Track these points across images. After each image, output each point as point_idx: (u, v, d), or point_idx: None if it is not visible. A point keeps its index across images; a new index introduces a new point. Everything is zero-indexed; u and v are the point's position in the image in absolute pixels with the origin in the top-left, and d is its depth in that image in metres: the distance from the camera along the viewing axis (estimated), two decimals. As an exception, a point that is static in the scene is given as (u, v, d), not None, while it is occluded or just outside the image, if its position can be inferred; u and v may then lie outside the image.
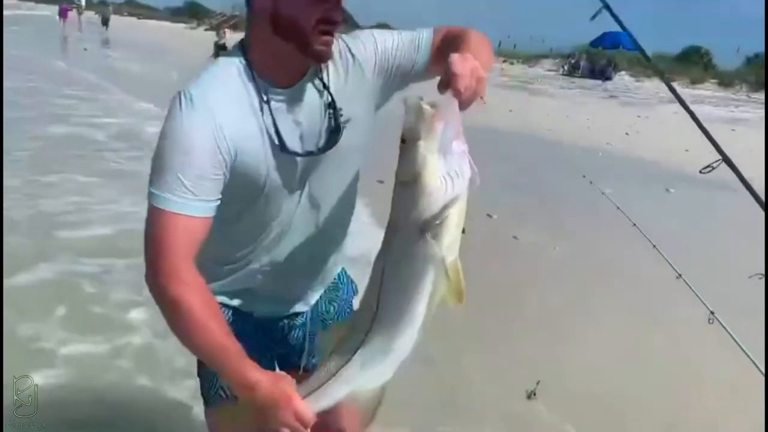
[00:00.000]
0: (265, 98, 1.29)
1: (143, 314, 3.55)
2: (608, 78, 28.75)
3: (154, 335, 3.35)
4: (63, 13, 34.52)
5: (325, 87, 1.36)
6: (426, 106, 1.10)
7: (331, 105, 1.36)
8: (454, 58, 1.13)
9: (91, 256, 4.42)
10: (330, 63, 1.36)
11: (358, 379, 1.24)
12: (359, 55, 1.39)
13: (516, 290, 4.50)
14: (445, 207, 1.11)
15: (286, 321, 1.66)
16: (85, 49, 23.51)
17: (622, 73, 30.17)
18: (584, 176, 3.71)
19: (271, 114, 1.29)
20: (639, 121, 14.50)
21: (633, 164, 9.60)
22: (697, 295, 2.40)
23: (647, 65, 29.92)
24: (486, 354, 3.59)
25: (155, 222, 1.23)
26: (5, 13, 53.53)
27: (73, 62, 18.55)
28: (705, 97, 21.63)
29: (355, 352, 1.22)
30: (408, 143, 1.12)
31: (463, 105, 1.12)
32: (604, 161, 9.73)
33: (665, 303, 3.90)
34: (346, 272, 1.78)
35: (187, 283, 1.22)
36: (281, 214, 1.43)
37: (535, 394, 3.12)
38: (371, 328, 1.21)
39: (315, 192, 1.44)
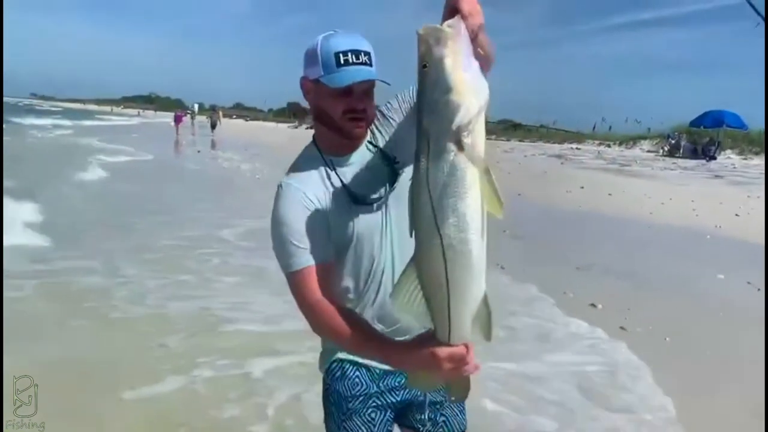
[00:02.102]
0: (331, 168, 1.66)
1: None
2: (712, 157, 27.60)
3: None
4: (178, 120, 37.95)
5: (377, 147, 1.70)
6: (446, 28, 1.22)
7: (385, 158, 1.68)
8: None
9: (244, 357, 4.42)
10: (379, 126, 1.72)
11: (467, 301, 1.34)
12: (392, 112, 1.73)
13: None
14: (479, 111, 1.23)
15: (403, 375, 1.78)
16: (199, 152, 25.58)
17: (728, 151, 28.93)
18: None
19: (339, 177, 1.65)
20: (749, 201, 13.74)
21: (745, 247, 9.04)
22: None
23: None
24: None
25: (292, 284, 1.62)
26: (132, 122, 59.49)
27: (190, 163, 20.17)
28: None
29: (447, 284, 1.31)
30: (433, 65, 1.23)
31: (469, 26, 1.26)
32: (713, 245, 9.28)
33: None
34: None
35: (329, 313, 1.57)
36: (375, 256, 1.68)
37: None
38: (446, 257, 1.28)
39: (398, 231, 1.67)
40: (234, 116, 76.96)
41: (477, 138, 1.24)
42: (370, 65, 1.58)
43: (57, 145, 24.60)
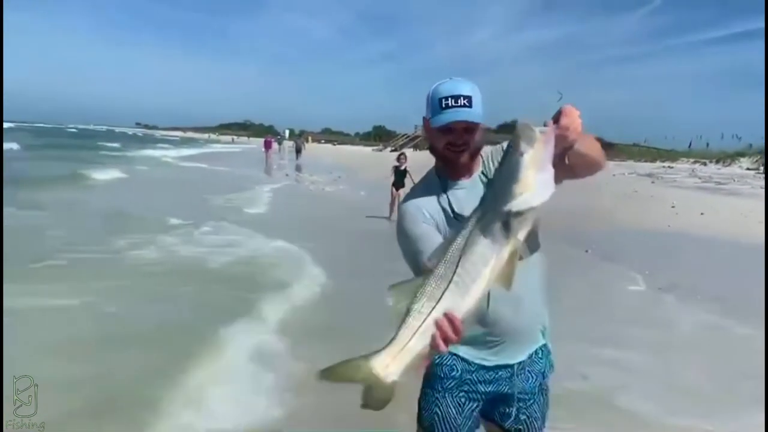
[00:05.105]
0: (444, 189, 2.00)
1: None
2: (821, 173, 25.69)
3: None
4: (267, 145, 39.30)
5: (487, 177, 1.98)
6: (537, 130, 1.47)
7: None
8: (567, 106, 1.64)
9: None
10: (492, 159, 1.99)
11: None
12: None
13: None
14: (534, 208, 1.45)
15: (494, 371, 2.05)
16: (287, 175, 26.61)
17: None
18: None
19: (448, 198, 1.97)
20: None
21: None
22: None
23: None
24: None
25: None
26: (235, 149, 61.85)
27: (283, 186, 21.01)
28: None
29: (437, 303, 1.50)
30: (516, 151, 1.47)
31: (559, 138, 1.55)
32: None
33: None
34: (547, 348, 2.14)
35: None
36: None
37: None
38: (448, 288, 1.49)
39: None
40: (323, 141, 79.34)
41: (523, 226, 1.48)
42: (470, 107, 1.86)
43: (217, 175, 26.13)
